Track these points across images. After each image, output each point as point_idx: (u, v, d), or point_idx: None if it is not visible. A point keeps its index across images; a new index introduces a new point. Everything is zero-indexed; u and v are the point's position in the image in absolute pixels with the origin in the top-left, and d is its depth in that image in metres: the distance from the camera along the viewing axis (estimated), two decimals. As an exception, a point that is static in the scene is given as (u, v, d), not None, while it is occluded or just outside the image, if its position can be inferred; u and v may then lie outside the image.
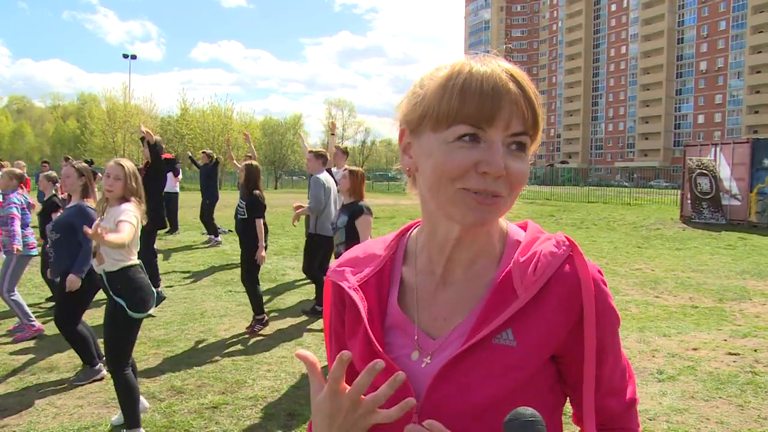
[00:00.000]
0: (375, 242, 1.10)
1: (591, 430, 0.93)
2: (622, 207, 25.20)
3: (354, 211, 5.19)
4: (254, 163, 6.53)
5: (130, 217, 3.75)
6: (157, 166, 7.41)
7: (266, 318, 6.43)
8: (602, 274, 0.94)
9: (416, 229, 1.07)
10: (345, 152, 8.28)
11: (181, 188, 14.90)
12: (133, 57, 57.67)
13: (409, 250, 1.05)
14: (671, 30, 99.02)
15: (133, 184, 3.88)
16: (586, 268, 0.91)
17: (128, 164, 3.94)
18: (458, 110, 0.85)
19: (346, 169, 5.48)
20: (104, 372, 4.77)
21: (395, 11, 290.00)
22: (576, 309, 0.90)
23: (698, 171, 19.52)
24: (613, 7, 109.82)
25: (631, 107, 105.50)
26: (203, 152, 13.40)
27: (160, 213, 7.38)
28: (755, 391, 4.77)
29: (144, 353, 5.48)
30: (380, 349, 0.95)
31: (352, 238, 5.08)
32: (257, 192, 6.29)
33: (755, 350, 5.85)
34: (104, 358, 4.13)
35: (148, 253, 7.12)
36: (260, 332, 6.23)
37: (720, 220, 18.50)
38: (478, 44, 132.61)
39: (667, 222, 19.48)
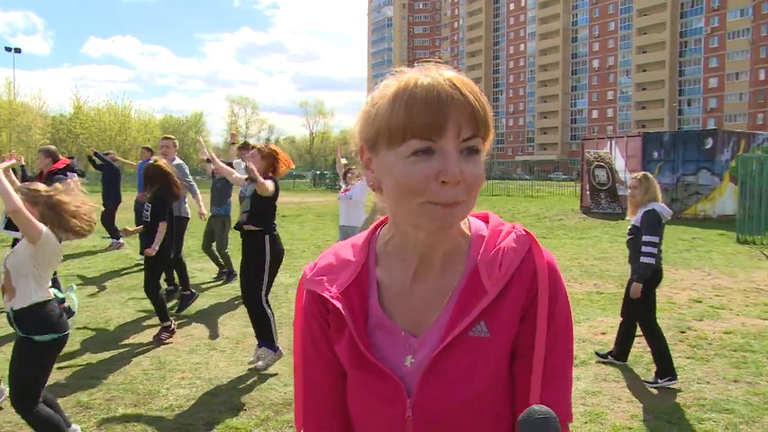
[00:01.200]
0: (344, 247, 1.11)
1: (536, 389, 0.97)
2: (525, 199, 26.17)
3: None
4: (161, 162, 6.21)
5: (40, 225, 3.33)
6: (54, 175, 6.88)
7: (173, 325, 6.10)
8: (554, 261, 1.01)
9: (382, 229, 1.10)
10: (246, 146, 8.09)
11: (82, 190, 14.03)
12: (17, 50, 53.84)
13: (379, 252, 1.07)
14: (566, 29, 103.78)
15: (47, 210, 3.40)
16: (542, 257, 0.99)
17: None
18: (408, 125, 0.88)
19: (253, 147, 5.36)
20: None
21: (296, 7, 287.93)
22: (532, 292, 0.97)
23: (596, 163, 20.52)
24: (512, 6, 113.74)
25: (530, 103, 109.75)
26: (105, 153, 12.72)
27: None
28: (659, 371, 5.02)
29: (44, 368, 5.09)
30: (368, 354, 0.99)
31: (258, 205, 5.04)
32: (164, 194, 5.99)
33: (656, 331, 6.17)
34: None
35: None
36: (170, 339, 5.94)
37: (617, 210, 19.54)
38: (381, 41, 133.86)
39: (569, 213, 20.37)
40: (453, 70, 0.94)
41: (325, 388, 1.09)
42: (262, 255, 5.06)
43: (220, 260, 9.03)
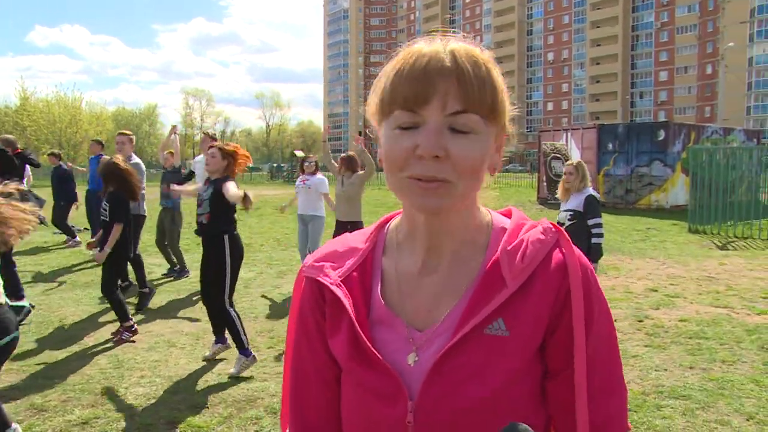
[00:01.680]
0: (353, 235, 1.05)
1: (582, 407, 0.88)
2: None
3: (219, 182, 4.93)
4: (117, 159, 5.98)
5: None
6: (8, 164, 6.60)
7: (135, 325, 5.92)
8: (587, 261, 0.93)
9: (395, 220, 1.04)
10: (213, 137, 7.91)
11: (33, 186, 13.61)
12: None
13: (388, 242, 1.01)
14: (521, 22, 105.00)
15: None
16: (573, 253, 0.90)
17: None
18: (394, 96, 0.85)
19: (212, 147, 5.16)
20: None
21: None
22: (562, 292, 0.88)
23: (552, 155, 20.84)
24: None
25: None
26: (50, 154, 12.32)
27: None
28: (619, 359, 5.12)
29: (-6, 369, 4.90)
30: (369, 346, 0.91)
31: (218, 207, 4.90)
32: (121, 194, 5.78)
33: (615, 320, 6.27)
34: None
35: (4, 262, 6.36)
36: (125, 338, 5.78)
37: (572, 201, 19.83)
38: (337, 32, 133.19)
39: (526, 204, 20.65)
40: (466, 42, 0.88)
41: (316, 389, 1.01)
42: (222, 257, 4.92)
43: (173, 257, 8.87)
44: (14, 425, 3.70)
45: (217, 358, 5.16)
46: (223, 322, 5.03)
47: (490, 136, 0.86)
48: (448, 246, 0.93)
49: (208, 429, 3.88)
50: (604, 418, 0.90)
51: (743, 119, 69.70)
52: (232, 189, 4.84)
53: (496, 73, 0.88)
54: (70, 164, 9.83)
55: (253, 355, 4.99)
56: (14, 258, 6.71)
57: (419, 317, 0.93)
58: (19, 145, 8.07)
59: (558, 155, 20.64)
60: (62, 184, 11.82)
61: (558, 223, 5.29)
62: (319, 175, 7.80)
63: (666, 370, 4.85)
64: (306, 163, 8.00)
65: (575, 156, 20.33)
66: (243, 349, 4.92)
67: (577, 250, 0.91)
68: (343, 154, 7.24)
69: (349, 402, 0.97)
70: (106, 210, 5.76)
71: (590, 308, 0.88)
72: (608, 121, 71.97)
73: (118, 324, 5.95)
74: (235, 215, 5.16)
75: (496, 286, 0.88)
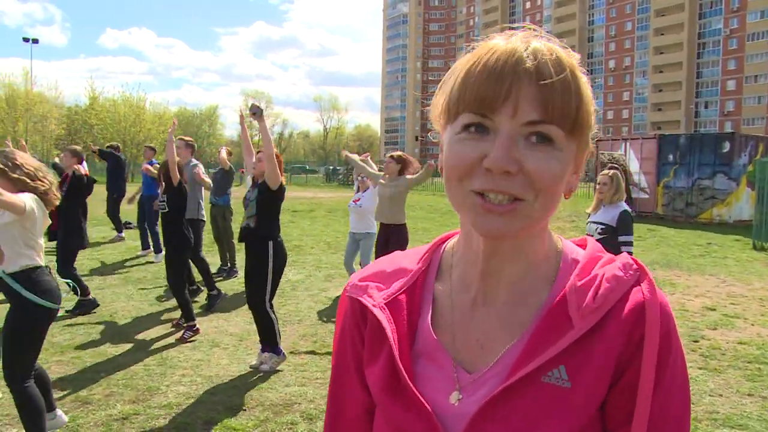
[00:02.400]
0: (405, 254, 0.95)
1: None
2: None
3: (265, 185, 5.02)
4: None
5: (22, 197, 3.36)
6: (79, 184, 6.83)
7: (197, 325, 5.99)
8: (669, 306, 0.78)
9: (452, 240, 0.92)
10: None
11: (94, 180, 14.09)
12: (35, 41, 54.20)
13: (443, 264, 0.90)
14: (582, 29, 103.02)
15: (20, 176, 3.44)
16: (655, 295, 0.76)
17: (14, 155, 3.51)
18: (462, 96, 0.74)
19: (260, 152, 5.19)
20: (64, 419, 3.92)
21: (310, 3, 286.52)
22: (635, 338, 0.74)
23: (609, 165, 20.27)
24: (528, 5, 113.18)
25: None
26: (109, 145, 12.70)
27: (83, 232, 6.88)
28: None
29: (46, 360, 5.04)
30: (407, 379, 0.80)
31: (263, 209, 4.99)
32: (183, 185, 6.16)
33: (668, 339, 6.04)
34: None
35: (67, 266, 6.61)
36: (174, 333, 5.88)
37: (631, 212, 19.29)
38: (396, 37, 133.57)
39: (581, 214, 20.13)
40: (551, 41, 0.77)
41: (348, 420, 0.92)
42: (265, 262, 4.98)
43: (226, 255, 9.03)
44: (59, 412, 3.81)
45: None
46: (261, 320, 5.06)
47: (570, 152, 0.75)
48: (507, 275, 0.81)
49: (244, 431, 3.88)
50: None
51: (816, 132, 66.47)
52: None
53: (584, 80, 0.76)
54: (150, 168, 10.01)
55: (284, 353, 5.11)
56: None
57: (470, 355, 0.82)
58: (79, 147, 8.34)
59: (615, 165, 20.09)
60: (116, 175, 12.17)
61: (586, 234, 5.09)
62: (370, 191, 7.65)
63: (721, 395, 4.60)
64: (360, 178, 7.96)
65: (633, 167, 19.78)
66: (275, 347, 5.03)
67: (661, 293, 0.77)
68: (393, 153, 6.98)
69: None
70: (163, 202, 6.11)
71: (665, 360, 0.75)
72: (671, 131, 69.89)
73: (167, 322, 6.08)
74: (279, 221, 5.20)
75: (561, 327, 0.76)
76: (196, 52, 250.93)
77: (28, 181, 3.47)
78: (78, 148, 7.84)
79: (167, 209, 6.08)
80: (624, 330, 0.74)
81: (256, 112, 4.92)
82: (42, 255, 3.54)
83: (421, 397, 0.79)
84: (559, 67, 0.73)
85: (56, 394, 4.33)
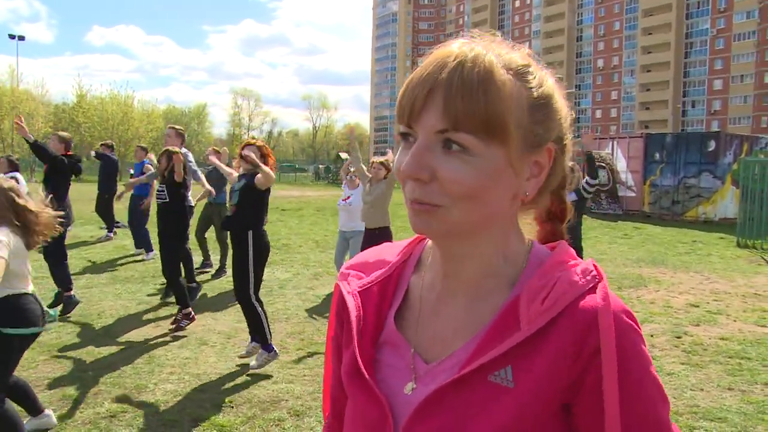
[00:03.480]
0: (390, 246, 0.98)
1: None
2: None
3: (252, 175, 5.08)
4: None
5: None
6: (61, 163, 6.82)
7: (192, 312, 6.12)
8: (632, 315, 0.77)
9: None
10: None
11: (79, 179, 14.02)
12: (21, 38, 53.86)
13: (423, 259, 0.92)
14: (571, 28, 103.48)
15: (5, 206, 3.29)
16: (609, 304, 0.74)
17: None
18: (397, 107, 0.78)
19: (248, 144, 5.26)
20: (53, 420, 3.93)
21: (299, 0, 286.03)
22: (588, 349, 0.73)
23: (597, 164, 20.43)
24: (517, 3, 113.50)
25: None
26: (102, 144, 12.65)
27: (67, 210, 6.84)
28: (654, 376, 4.97)
29: (33, 360, 5.05)
30: (363, 370, 0.84)
31: (246, 201, 5.02)
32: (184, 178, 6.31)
33: (651, 335, 6.12)
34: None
35: (57, 254, 6.61)
36: (162, 331, 5.90)
37: (617, 211, 19.48)
38: (386, 36, 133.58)
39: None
40: (502, 46, 0.78)
41: (336, 395, 1.00)
42: (245, 251, 4.99)
43: (208, 252, 9.13)
44: (48, 411, 3.82)
45: (245, 358, 5.21)
46: (249, 314, 5.08)
47: (494, 158, 0.74)
48: (465, 276, 0.83)
49: (231, 428, 3.91)
50: None
51: (802, 131, 67.13)
52: (267, 169, 5.05)
53: (502, 80, 0.73)
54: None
55: (275, 351, 5.07)
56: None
57: (431, 348, 0.84)
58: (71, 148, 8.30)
59: (603, 164, 20.24)
60: (108, 174, 12.14)
61: None
62: (359, 190, 7.66)
63: (702, 390, 4.68)
64: (348, 177, 7.98)
65: (621, 165, 19.94)
66: (266, 344, 5.01)
67: (615, 298, 0.76)
68: (381, 159, 7.00)
69: (346, 422, 0.91)
70: (163, 192, 6.24)
71: (626, 366, 0.73)
72: (658, 130, 70.39)
73: (155, 321, 6.10)
74: (266, 216, 5.22)
75: (510, 328, 0.76)
76: (184, 50, 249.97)
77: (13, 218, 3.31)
78: (65, 134, 7.82)
79: (167, 200, 6.18)
80: (576, 335, 0.74)
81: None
82: (30, 280, 3.44)
83: (374, 386, 0.82)
84: (469, 73, 0.72)
85: (43, 393, 4.36)
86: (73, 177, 7.09)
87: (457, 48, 0.75)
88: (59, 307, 3.80)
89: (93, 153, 12.27)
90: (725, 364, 5.30)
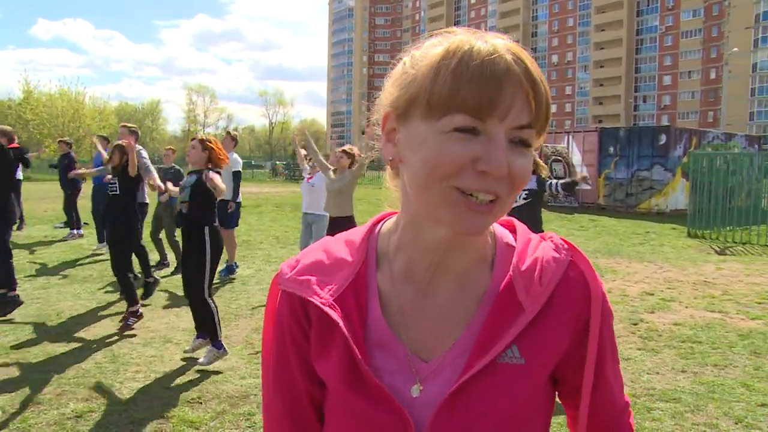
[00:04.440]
0: (337, 243, 0.92)
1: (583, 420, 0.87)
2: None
3: (204, 172, 5.06)
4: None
5: None
6: (4, 157, 6.64)
7: (140, 310, 6.03)
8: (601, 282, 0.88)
9: (384, 225, 0.92)
10: (234, 139, 8.70)
11: (26, 178, 13.69)
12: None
13: (380, 253, 0.90)
14: (526, 24, 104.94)
15: None
16: (593, 273, 0.84)
17: None
18: (455, 97, 0.72)
19: (194, 139, 5.28)
20: None
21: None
22: (582, 319, 0.83)
23: (553, 157, 20.85)
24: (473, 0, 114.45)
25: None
26: (61, 141, 12.33)
27: (11, 207, 6.63)
28: (612, 362, 5.15)
29: (-9, 362, 4.94)
30: (371, 375, 0.82)
31: (198, 196, 4.99)
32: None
33: (609, 323, 6.32)
34: None
35: (2, 252, 6.42)
36: (126, 332, 5.82)
37: (573, 204, 19.90)
38: (342, 31, 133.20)
39: (526, 206, 20.61)
40: (517, 43, 0.78)
41: (297, 415, 0.93)
42: (202, 248, 4.95)
43: (164, 251, 9.09)
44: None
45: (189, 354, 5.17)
46: (203, 312, 5.04)
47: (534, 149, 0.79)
48: (456, 266, 0.84)
49: (201, 424, 3.91)
50: (612, 417, 0.91)
51: (746, 125, 69.59)
52: (218, 181, 5.00)
53: None
54: (83, 170, 10.03)
55: (224, 348, 5.06)
56: (13, 251, 6.73)
57: (424, 344, 0.84)
58: (16, 140, 8.10)
59: (559, 158, 20.65)
60: (69, 171, 11.88)
61: None
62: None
63: (658, 373, 4.88)
64: (310, 164, 8.02)
65: (576, 159, 20.37)
66: (216, 341, 5.00)
67: (596, 273, 0.86)
68: (344, 147, 6.97)
69: (339, 431, 0.88)
70: (114, 184, 6.15)
71: (604, 332, 0.85)
72: (611, 124, 72.00)
73: (116, 319, 6.01)
74: (216, 208, 5.20)
75: (512, 311, 0.80)
76: (136, 45, 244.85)
77: None
78: (7, 128, 7.66)
79: (118, 192, 6.09)
80: (571, 308, 0.82)
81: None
82: None
83: (388, 392, 0.81)
84: (536, 69, 0.75)
85: (4, 397, 4.27)
86: (25, 169, 6.94)
87: (493, 41, 0.76)
88: None
89: (50, 165, 12.04)
90: (678, 348, 5.52)
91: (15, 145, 7.21)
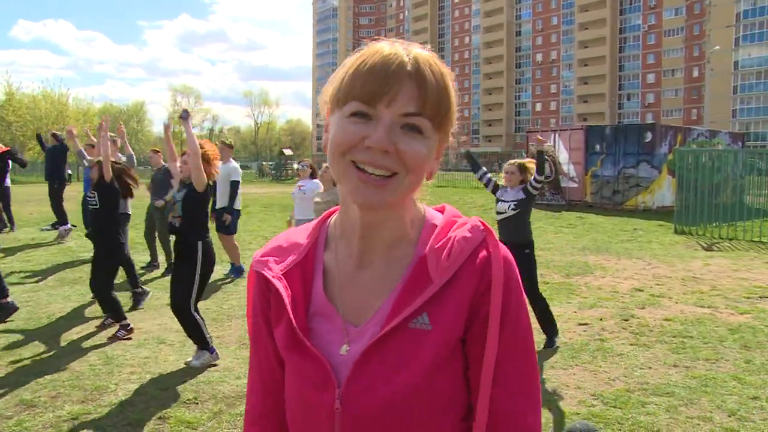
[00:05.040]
0: (297, 230, 1.09)
1: (482, 416, 0.92)
2: (471, 191, 26.47)
3: (192, 184, 5.01)
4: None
5: None
6: None
7: (130, 324, 5.89)
8: (513, 262, 0.96)
9: (335, 215, 1.07)
10: (230, 146, 8.91)
11: (13, 181, 13.51)
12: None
13: (330, 236, 1.05)
14: (510, 23, 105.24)
15: None
16: (498, 249, 0.94)
17: None
18: (352, 88, 0.89)
19: (185, 153, 5.17)
20: None
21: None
22: (483, 285, 0.92)
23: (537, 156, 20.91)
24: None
25: (475, 95, 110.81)
26: (52, 133, 12.19)
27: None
28: (604, 356, 5.20)
29: (-17, 365, 4.90)
30: (302, 337, 0.95)
31: (191, 210, 4.96)
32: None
33: (601, 319, 6.39)
34: None
35: None
36: (121, 336, 5.78)
37: (560, 201, 19.99)
38: (326, 31, 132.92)
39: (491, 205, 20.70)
40: (429, 51, 0.93)
41: (267, 375, 1.07)
42: (193, 262, 4.91)
43: (156, 252, 9.09)
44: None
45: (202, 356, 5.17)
46: (188, 324, 4.99)
47: (434, 142, 0.92)
48: (381, 241, 0.97)
49: (198, 424, 3.90)
50: (507, 413, 0.93)
51: (729, 122, 70.32)
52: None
53: (452, 86, 0.94)
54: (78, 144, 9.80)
55: (216, 352, 5.07)
56: (0, 255, 6.67)
57: (355, 311, 0.97)
58: (1, 144, 8.05)
59: (546, 156, 20.75)
60: (57, 162, 11.75)
61: (498, 212, 5.68)
62: (316, 180, 7.71)
63: (651, 368, 4.93)
64: (300, 167, 8.02)
65: (563, 157, 20.48)
66: (207, 347, 5.02)
67: (503, 247, 0.95)
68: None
69: (289, 388, 1.01)
70: (93, 198, 5.84)
71: (507, 300, 0.92)
72: (596, 122, 72.40)
73: (112, 333, 5.96)
74: (207, 221, 5.18)
75: (423, 282, 0.93)
76: (118, 46, 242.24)
77: None
78: None
79: (98, 205, 5.82)
80: (473, 279, 0.92)
81: (185, 117, 4.97)
82: None
83: (315, 350, 0.95)
84: (435, 73, 0.90)
85: (-2, 399, 4.24)
86: (21, 169, 6.86)
87: (403, 48, 0.91)
88: None
89: (38, 134, 11.86)
90: (670, 343, 5.58)
91: (3, 148, 7.11)
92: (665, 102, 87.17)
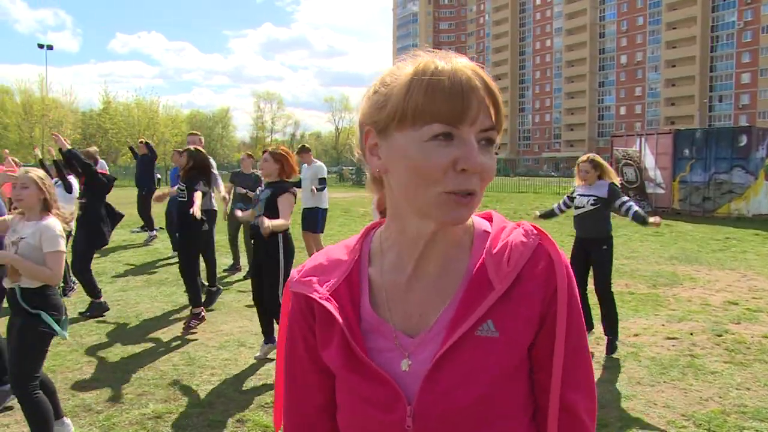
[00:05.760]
0: (337, 247, 1.07)
1: (553, 418, 0.93)
2: (552, 196, 25.85)
3: (279, 187, 5.16)
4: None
5: (59, 244, 3.39)
6: (93, 180, 7.04)
7: (203, 313, 6.19)
8: (567, 259, 0.96)
9: (379, 229, 1.05)
10: (306, 150, 9.28)
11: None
12: (50, 47, 54.72)
13: (373, 251, 1.03)
14: (593, 24, 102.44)
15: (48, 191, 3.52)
16: (558, 253, 0.93)
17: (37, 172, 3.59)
18: (429, 109, 0.85)
19: (266, 152, 5.42)
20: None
21: (317, 3, 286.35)
22: (550, 291, 0.92)
23: (624, 161, 20.24)
24: (538, 1, 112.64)
25: (557, 99, 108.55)
26: (141, 142, 12.81)
27: (101, 229, 6.99)
28: (695, 374, 4.90)
29: (77, 361, 5.15)
30: (365, 357, 0.93)
31: (272, 211, 5.06)
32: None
33: (691, 333, 6.04)
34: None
35: (83, 269, 6.77)
36: (200, 333, 5.96)
37: (646, 208, 19.20)
38: (407, 36, 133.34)
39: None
40: (467, 59, 0.92)
41: (309, 410, 1.03)
42: (276, 256, 5.13)
43: (239, 254, 9.32)
44: (67, 420, 3.80)
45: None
46: (273, 313, 5.22)
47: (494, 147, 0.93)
48: (439, 253, 0.96)
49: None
50: (574, 415, 0.94)
51: (833, 124, 65.73)
52: (282, 217, 5.05)
53: None
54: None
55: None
56: (95, 254, 7.04)
57: (410, 323, 0.95)
58: (97, 148, 8.51)
59: (630, 162, 20.01)
60: (146, 170, 12.36)
61: (576, 207, 5.59)
62: None
63: (749, 389, 4.60)
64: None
65: (649, 162, 19.68)
66: (271, 336, 5.32)
67: (563, 254, 0.94)
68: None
69: (345, 410, 0.98)
70: (183, 191, 6.29)
71: (571, 304, 0.93)
72: (684, 125, 69.37)
73: (185, 321, 6.19)
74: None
75: (485, 289, 0.91)
76: (205, 55, 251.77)
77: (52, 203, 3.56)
78: (92, 150, 8.00)
79: (186, 198, 6.23)
80: (539, 285, 0.91)
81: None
82: None
83: (380, 370, 0.92)
84: (491, 81, 0.89)
85: (89, 394, 4.44)
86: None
87: (458, 61, 0.89)
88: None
89: (130, 146, 12.64)
90: (770, 362, 5.20)
91: (104, 171, 7.54)
92: (762, 103, 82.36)
